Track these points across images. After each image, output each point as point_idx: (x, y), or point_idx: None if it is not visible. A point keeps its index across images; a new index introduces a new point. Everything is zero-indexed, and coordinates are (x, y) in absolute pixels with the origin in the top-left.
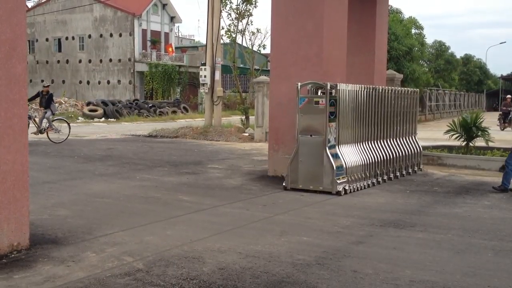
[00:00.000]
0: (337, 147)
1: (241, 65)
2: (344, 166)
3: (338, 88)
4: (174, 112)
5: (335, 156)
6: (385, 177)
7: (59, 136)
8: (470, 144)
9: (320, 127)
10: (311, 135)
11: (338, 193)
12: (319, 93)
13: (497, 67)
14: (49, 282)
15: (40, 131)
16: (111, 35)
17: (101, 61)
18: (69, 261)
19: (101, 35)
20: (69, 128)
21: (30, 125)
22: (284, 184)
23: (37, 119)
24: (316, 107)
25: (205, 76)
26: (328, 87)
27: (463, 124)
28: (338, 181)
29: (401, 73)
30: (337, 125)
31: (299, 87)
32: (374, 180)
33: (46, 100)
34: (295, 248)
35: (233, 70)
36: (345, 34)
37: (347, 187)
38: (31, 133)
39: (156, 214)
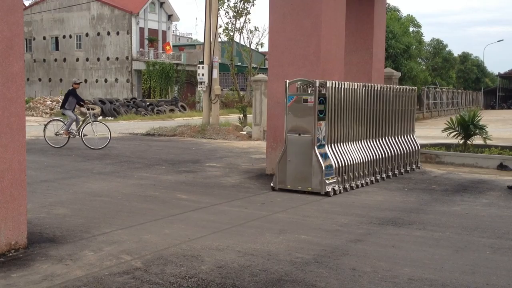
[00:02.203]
0: (326, 146)
1: (239, 64)
2: (334, 166)
3: (327, 85)
4: (171, 110)
5: (324, 155)
6: (383, 175)
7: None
8: (468, 142)
9: (309, 126)
10: (299, 134)
11: (327, 194)
12: (309, 91)
13: (495, 65)
14: (47, 280)
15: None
16: (108, 33)
17: (98, 59)
18: (67, 259)
19: (98, 34)
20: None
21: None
22: (272, 184)
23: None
24: (304, 105)
25: (202, 75)
26: (317, 85)
27: (460, 122)
28: (327, 182)
29: (399, 71)
30: (327, 124)
31: (287, 85)
32: (373, 178)
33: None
34: (294, 246)
35: (231, 68)
36: (343, 32)
37: (336, 188)
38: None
39: (154, 213)
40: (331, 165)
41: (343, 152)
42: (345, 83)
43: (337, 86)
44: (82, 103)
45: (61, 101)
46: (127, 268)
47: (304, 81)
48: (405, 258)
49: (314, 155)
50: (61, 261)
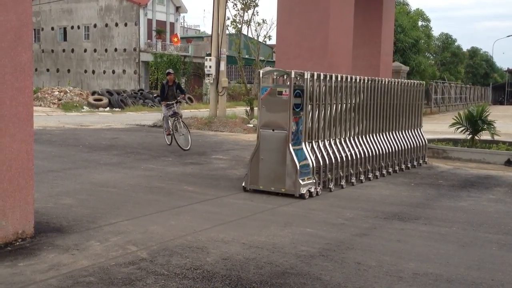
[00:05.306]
0: (304, 143)
1: (246, 56)
2: (311, 165)
3: (305, 76)
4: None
5: (300, 154)
6: (390, 170)
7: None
8: (476, 137)
9: (283, 121)
10: (273, 130)
11: (301, 196)
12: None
13: (504, 61)
14: (53, 270)
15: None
16: (116, 24)
17: (106, 50)
18: (73, 249)
19: (106, 25)
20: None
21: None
22: (243, 184)
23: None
24: (279, 98)
25: (210, 67)
26: (293, 75)
27: (468, 117)
28: (302, 182)
29: (407, 66)
30: (306, 118)
31: (261, 76)
32: (378, 173)
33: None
34: (299, 239)
35: (238, 61)
36: (351, 25)
37: (313, 189)
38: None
39: (160, 204)
40: (307, 165)
41: (336, 149)
42: (322, 74)
43: (321, 78)
44: (162, 100)
45: (68, 91)
46: (133, 259)
47: (280, 72)
48: (410, 252)
49: (289, 153)
50: (67, 251)
